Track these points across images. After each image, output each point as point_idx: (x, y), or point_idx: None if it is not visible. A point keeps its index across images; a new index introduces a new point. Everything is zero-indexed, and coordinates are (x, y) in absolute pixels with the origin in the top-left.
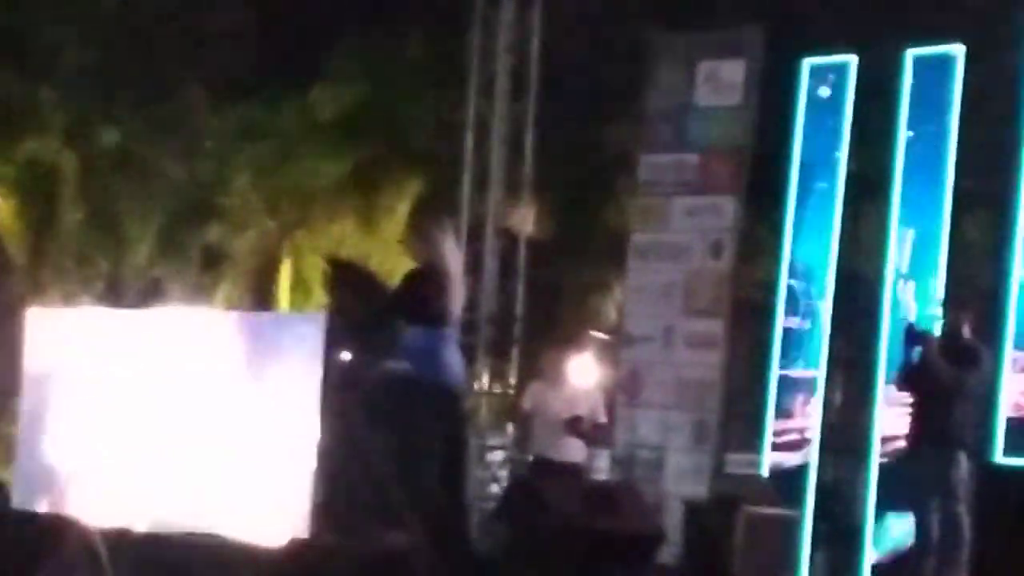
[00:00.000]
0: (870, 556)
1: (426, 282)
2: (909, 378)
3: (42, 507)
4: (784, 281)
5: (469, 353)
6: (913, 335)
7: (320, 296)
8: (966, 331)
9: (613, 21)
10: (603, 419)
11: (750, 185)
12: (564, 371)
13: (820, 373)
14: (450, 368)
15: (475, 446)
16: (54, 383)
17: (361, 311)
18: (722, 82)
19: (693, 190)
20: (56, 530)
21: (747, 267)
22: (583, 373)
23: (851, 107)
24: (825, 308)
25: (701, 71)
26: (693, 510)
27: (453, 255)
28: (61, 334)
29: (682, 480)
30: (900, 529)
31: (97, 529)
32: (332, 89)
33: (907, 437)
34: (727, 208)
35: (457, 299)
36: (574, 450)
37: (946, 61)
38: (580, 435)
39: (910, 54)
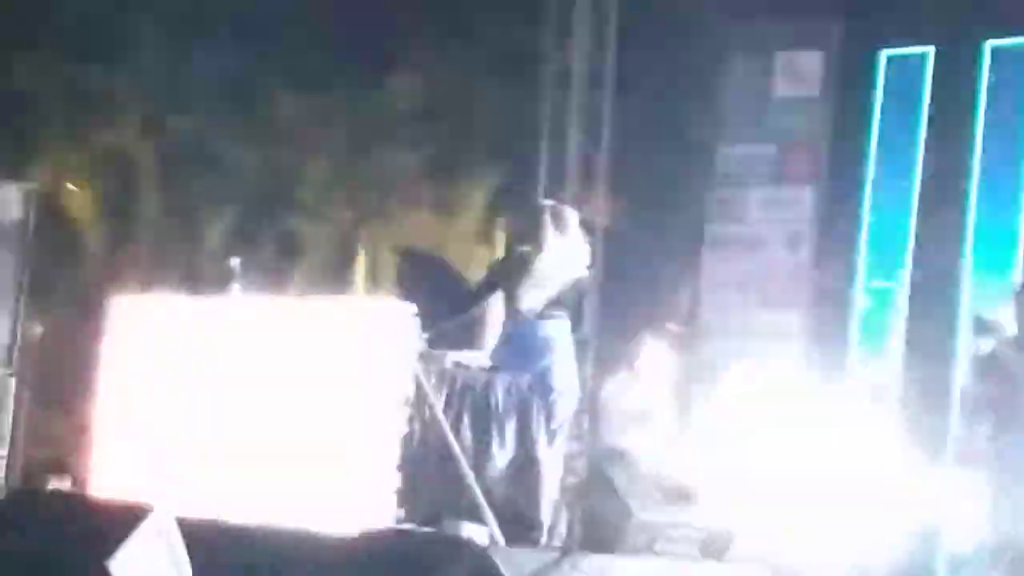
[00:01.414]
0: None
1: (518, 268)
2: (980, 371)
3: (118, 494)
4: (862, 272)
5: None
6: (983, 327)
7: (394, 286)
8: None
9: (691, 10)
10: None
11: (827, 177)
12: (637, 363)
13: (896, 365)
14: (540, 356)
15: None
16: (133, 371)
17: (433, 302)
18: (800, 73)
19: (770, 181)
20: (134, 517)
21: (825, 259)
22: (658, 365)
23: (928, 98)
24: (902, 299)
25: (779, 62)
26: None
27: (560, 243)
28: (141, 322)
29: None
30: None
31: (175, 517)
32: (409, 79)
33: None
34: (805, 199)
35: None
36: (638, 443)
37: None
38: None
39: (988, 45)
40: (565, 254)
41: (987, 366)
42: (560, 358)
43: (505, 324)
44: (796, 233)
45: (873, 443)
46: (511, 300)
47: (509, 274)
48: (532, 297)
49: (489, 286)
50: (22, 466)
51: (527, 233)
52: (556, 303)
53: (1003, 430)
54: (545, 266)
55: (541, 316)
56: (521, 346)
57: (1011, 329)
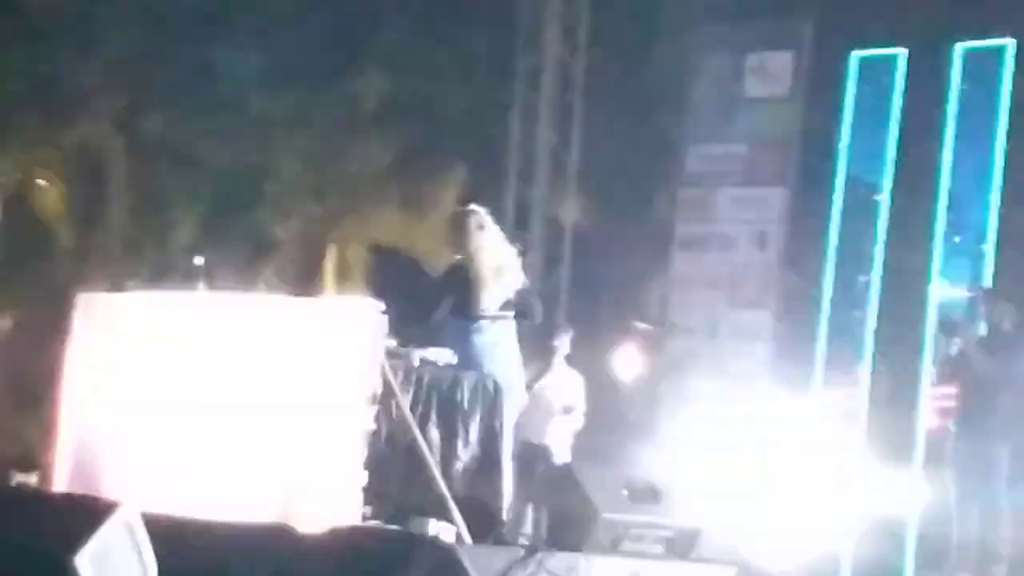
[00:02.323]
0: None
1: (461, 274)
2: (948, 371)
3: (84, 490)
4: (830, 273)
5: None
6: (951, 327)
7: (363, 284)
8: (1007, 324)
9: (662, 10)
10: (580, 408)
11: (797, 177)
12: (559, 361)
13: (865, 366)
14: (488, 359)
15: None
16: (101, 367)
17: (402, 299)
18: (770, 73)
19: (740, 181)
20: (98, 513)
21: (793, 259)
22: (627, 364)
23: (900, 101)
24: (871, 301)
25: (749, 62)
26: None
27: (490, 247)
28: (109, 319)
29: None
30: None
31: (140, 513)
32: (377, 76)
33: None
34: (774, 200)
35: (494, 292)
36: (559, 438)
37: (996, 55)
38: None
39: (960, 48)
40: (493, 256)
41: (955, 367)
42: (504, 358)
43: (456, 325)
44: (765, 233)
45: (841, 443)
46: (461, 303)
47: (453, 282)
48: (478, 299)
49: (440, 292)
50: None
51: (455, 242)
52: (505, 304)
53: (969, 431)
54: (479, 270)
55: (486, 318)
56: (468, 347)
57: (979, 330)
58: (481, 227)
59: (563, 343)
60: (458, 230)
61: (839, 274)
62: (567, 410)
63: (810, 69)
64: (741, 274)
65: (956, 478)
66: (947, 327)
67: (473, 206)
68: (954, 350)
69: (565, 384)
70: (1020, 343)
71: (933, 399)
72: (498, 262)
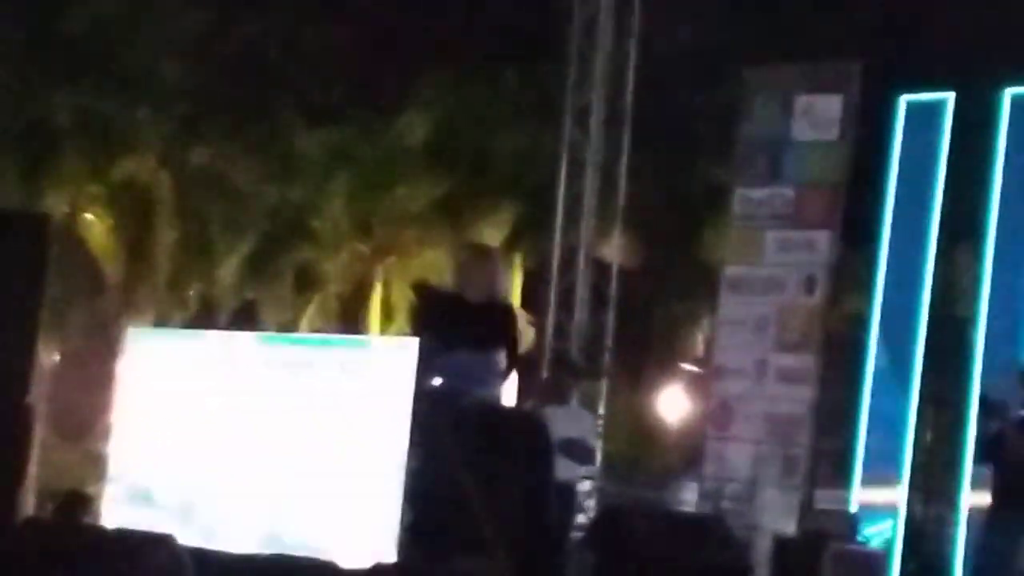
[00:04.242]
0: None
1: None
2: (988, 451)
3: (131, 525)
4: (876, 318)
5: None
6: (990, 408)
7: (408, 321)
8: None
9: (710, 52)
10: (593, 443)
11: (844, 221)
12: (566, 393)
13: (911, 412)
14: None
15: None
16: (148, 402)
17: (447, 338)
18: (819, 116)
19: (787, 224)
20: (146, 548)
21: (840, 303)
22: (671, 404)
23: (947, 145)
24: (917, 347)
25: (798, 105)
26: (782, 545)
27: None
28: (157, 354)
29: (770, 514)
30: None
31: (186, 548)
32: (423, 115)
33: (990, 508)
34: (821, 243)
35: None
36: (563, 469)
37: None
38: (572, 456)
39: (1008, 92)
40: (486, 291)
41: (992, 447)
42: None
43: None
44: (812, 276)
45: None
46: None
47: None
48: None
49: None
50: (38, 496)
51: (462, 276)
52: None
53: (1003, 512)
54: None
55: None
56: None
57: (1019, 411)
58: (484, 261)
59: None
60: (464, 268)
61: (885, 318)
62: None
63: (858, 112)
64: (788, 317)
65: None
66: (987, 408)
67: (474, 243)
68: (993, 431)
69: (567, 418)
70: None
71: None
72: (499, 295)
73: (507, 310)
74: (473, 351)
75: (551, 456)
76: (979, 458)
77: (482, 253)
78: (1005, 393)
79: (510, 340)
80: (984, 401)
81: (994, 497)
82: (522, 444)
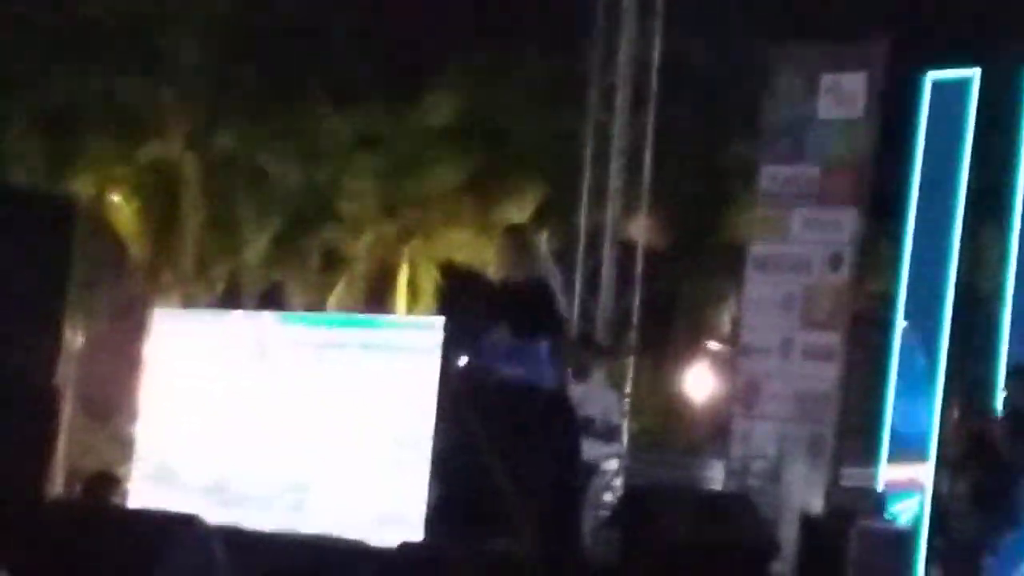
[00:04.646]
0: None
1: (522, 293)
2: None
3: (158, 505)
4: (903, 295)
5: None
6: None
7: (434, 302)
8: None
9: (734, 31)
10: (617, 420)
11: (871, 198)
12: (588, 372)
13: (938, 390)
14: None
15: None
16: (174, 383)
17: (473, 318)
18: (844, 94)
19: (813, 202)
20: (173, 528)
21: (866, 280)
22: (698, 383)
23: (972, 122)
24: (944, 324)
25: (823, 83)
26: (808, 523)
27: (538, 268)
28: (183, 335)
29: (797, 492)
30: None
31: (214, 528)
32: (447, 95)
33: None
34: (847, 221)
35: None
36: (585, 448)
37: None
38: (592, 434)
39: None
40: (530, 278)
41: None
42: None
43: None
44: (838, 254)
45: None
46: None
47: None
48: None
49: (501, 309)
50: (65, 476)
51: (504, 262)
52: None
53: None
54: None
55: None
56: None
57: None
58: (525, 246)
59: (598, 366)
60: (504, 250)
61: (912, 295)
62: (605, 436)
63: (884, 90)
64: (815, 295)
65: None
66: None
67: (516, 224)
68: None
69: (586, 397)
70: None
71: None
72: (537, 276)
73: (545, 291)
74: (508, 333)
75: (577, 435)
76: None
77: (518, 233)
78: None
79: (551, 321)
80: (1017, 373)
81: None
82: (547, 423)
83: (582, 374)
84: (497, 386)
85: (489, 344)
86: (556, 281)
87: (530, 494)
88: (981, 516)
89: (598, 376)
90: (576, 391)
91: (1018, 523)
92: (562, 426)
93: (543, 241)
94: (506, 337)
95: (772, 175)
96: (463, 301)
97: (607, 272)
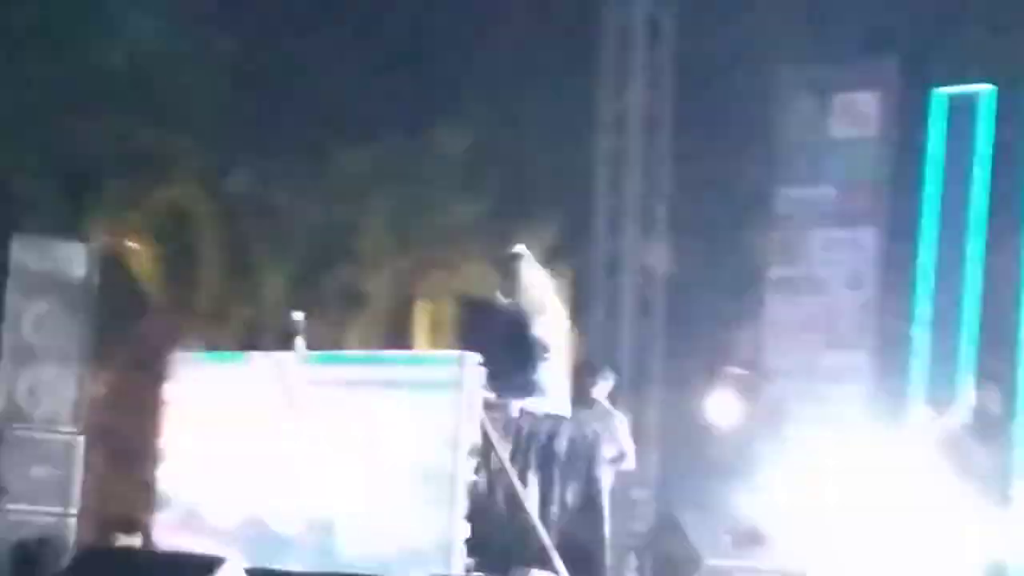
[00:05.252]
0: None
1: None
2: None
3: (185, 549)
4: (925, 313)
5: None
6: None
7: (454, 337)
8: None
9: (748, 52)
10: (628, 448)
11: (887, 217)
12: (593, 400)
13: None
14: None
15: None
16: (198, 426)
17: (495, 351)
18: (857, 113)
19: (830, 223)
20: (201, 570)
21: (886, 299)
22: (723, 409)
23: (987, 138)
24: (964, 337)
25: (836, 102)
26: None
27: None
28: (205, 378)
29: None
30: None
31: (241, 569)
32: (464, 129)
33: None
34: (865, 240)
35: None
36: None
37: None
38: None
39: None
40: (540, 298)
41: None
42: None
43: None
44: (857, 273)
45: (939, 482)
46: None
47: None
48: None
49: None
50: (91, 524)
51: (504, 285)
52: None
53: None
54: (527, 311)
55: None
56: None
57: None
58: (524, 268)
59: (601, 390)
60: (506, 273)
61: (933, 313)
62: (614, 461)
63: (897, 108)
64: (835, 315)
65: None
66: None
67: (517, 248)
68: None
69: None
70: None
71: None
72: (541, 301)
73: (553, 317)
74: (517, 359)
75: (597, 463)
76: None
77: (518, 261)
78: None
79: (552, 345)
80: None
81: None
82: (565, 452)
83: (583, 399)
84: (528, 419)
85: (502, 372)
86: (544, 307)
87: (562, 525)
88: None
89: (603, 400)
90: (579, 415)
91: None
92: (589, 455)
93: (535, 266)
94: (513, 362)
95: (789, 196)
96: (489, 335)
97: (627, 299)
